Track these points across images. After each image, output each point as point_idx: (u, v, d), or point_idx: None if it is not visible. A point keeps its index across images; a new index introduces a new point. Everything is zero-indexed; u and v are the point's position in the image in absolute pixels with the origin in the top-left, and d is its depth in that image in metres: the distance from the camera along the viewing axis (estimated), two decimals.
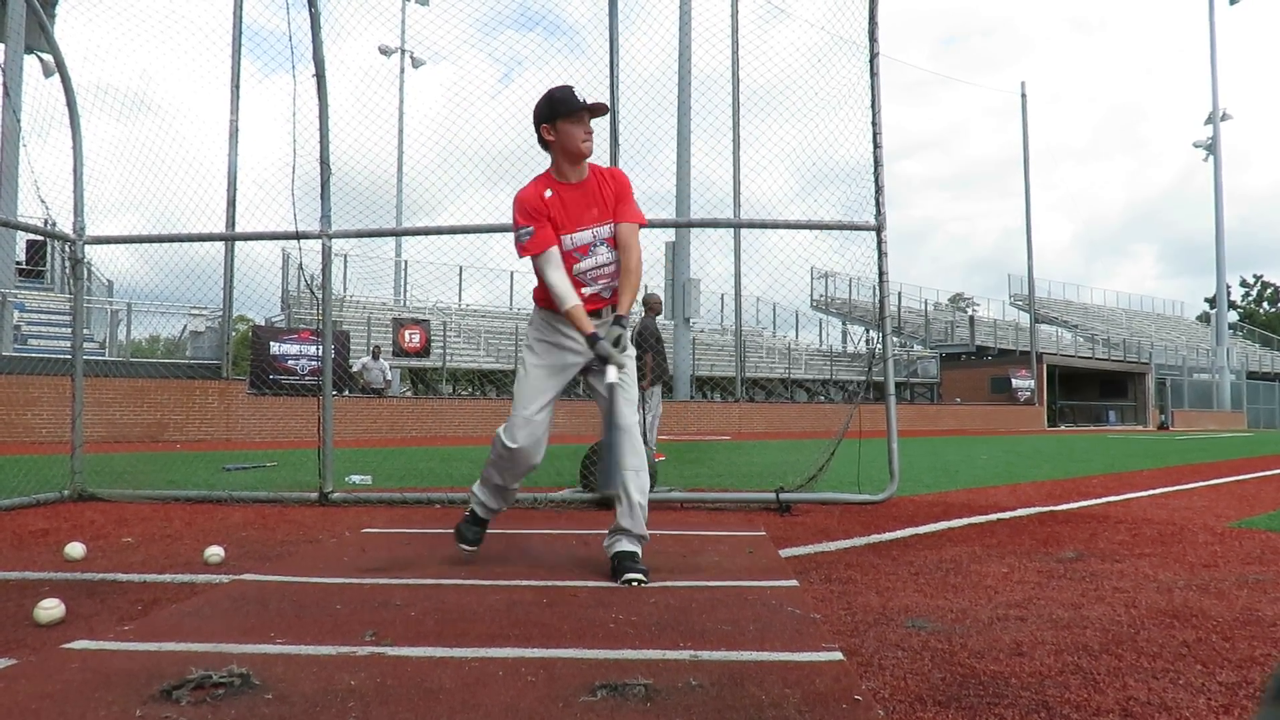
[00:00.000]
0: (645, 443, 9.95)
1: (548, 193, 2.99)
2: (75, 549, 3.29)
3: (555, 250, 2.97)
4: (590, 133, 2.99)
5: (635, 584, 2.78)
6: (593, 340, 2.91)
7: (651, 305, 9.14)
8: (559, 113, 2.94)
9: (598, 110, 2.97)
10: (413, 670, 1.91)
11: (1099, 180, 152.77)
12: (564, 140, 2.96)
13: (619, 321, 3.00)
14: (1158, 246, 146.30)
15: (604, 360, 2.92)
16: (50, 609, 2.33)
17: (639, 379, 10.73)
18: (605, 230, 3.06)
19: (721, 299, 25.31)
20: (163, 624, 2.32)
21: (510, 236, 5.19)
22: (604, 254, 3.05)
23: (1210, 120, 41.55)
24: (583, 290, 3.03)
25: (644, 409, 9.28)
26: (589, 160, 3.06)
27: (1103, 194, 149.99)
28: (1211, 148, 41.63)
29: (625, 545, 2.95)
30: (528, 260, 3.01)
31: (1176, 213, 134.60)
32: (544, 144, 3.03)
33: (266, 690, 1.77)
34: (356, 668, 1.93)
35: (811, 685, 1.81)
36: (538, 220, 2.96)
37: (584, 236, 3.02)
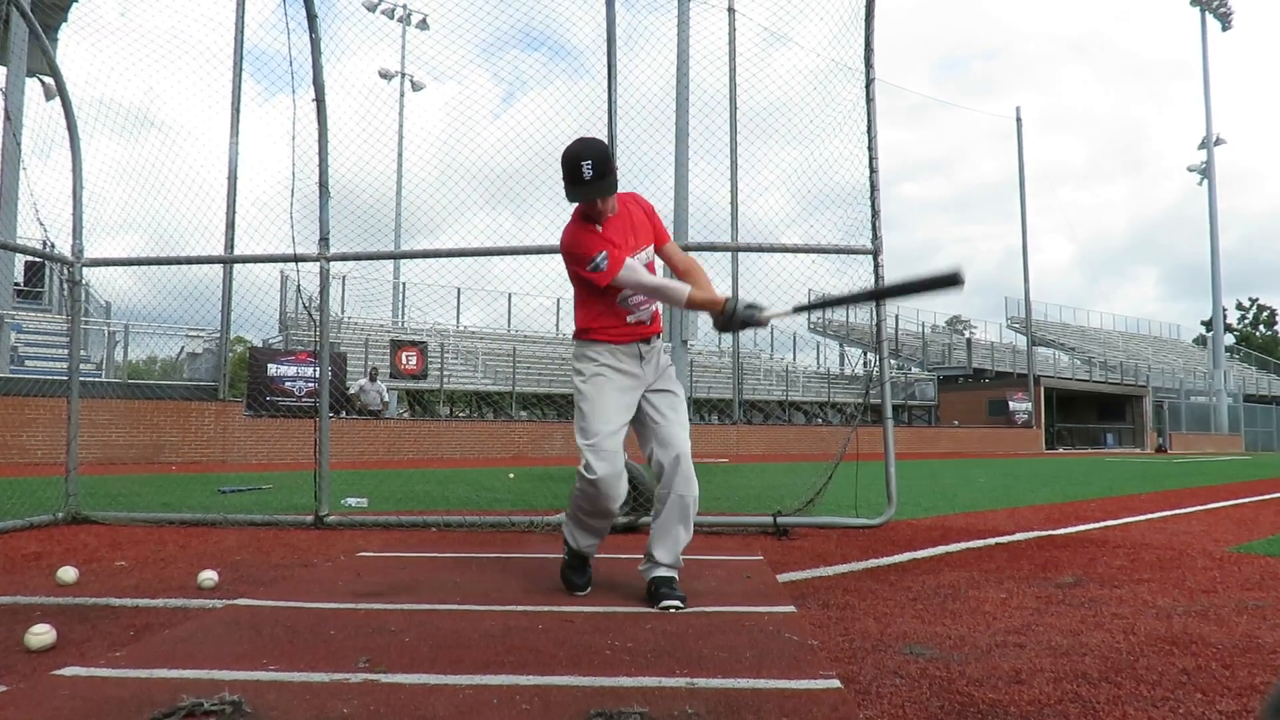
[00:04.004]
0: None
1: (597, 227, 2.90)
2: (68, 573, 3.26)
3: (631, 260, 2.87)
4: (604, 201, 2.86)
5: (672, 610, 2.76)
6: (729, 309, 2.78)
7: None
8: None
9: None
10: (406, 698, 1.90)
11: (1100, 202, 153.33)
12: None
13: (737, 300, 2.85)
14: (1159, 269, 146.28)
15: (747, 323, 2.77)
16: (41, 634, 2.31)
17: None
18: (646, 254, 2.98)
19: None
20: (155, 650, 2.30)
21: (514, 260, 5.22)
22: None
23: (1205, 144, 41.91)
24: (627, 319, 2.97)
25: None
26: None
27: (1104, 216, 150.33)
28: (1206, 171, 41.95)
29: (660, 571, 2.92)
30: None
31: (1178, 235, 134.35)
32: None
33: (258, 718, 1.76)
34: (350, 695, 1.91)
35: (809, 714, 1.80)
36: (601, 244, 2.84)
37: (636, 261, 2.92)
